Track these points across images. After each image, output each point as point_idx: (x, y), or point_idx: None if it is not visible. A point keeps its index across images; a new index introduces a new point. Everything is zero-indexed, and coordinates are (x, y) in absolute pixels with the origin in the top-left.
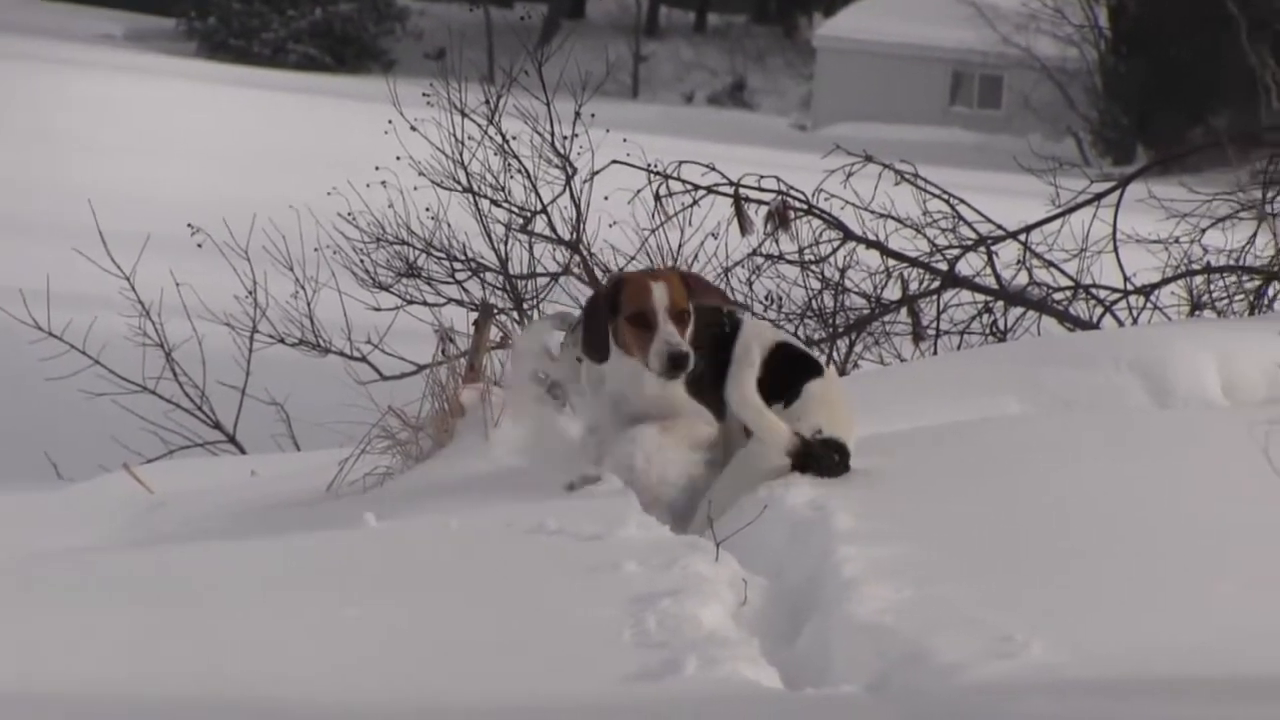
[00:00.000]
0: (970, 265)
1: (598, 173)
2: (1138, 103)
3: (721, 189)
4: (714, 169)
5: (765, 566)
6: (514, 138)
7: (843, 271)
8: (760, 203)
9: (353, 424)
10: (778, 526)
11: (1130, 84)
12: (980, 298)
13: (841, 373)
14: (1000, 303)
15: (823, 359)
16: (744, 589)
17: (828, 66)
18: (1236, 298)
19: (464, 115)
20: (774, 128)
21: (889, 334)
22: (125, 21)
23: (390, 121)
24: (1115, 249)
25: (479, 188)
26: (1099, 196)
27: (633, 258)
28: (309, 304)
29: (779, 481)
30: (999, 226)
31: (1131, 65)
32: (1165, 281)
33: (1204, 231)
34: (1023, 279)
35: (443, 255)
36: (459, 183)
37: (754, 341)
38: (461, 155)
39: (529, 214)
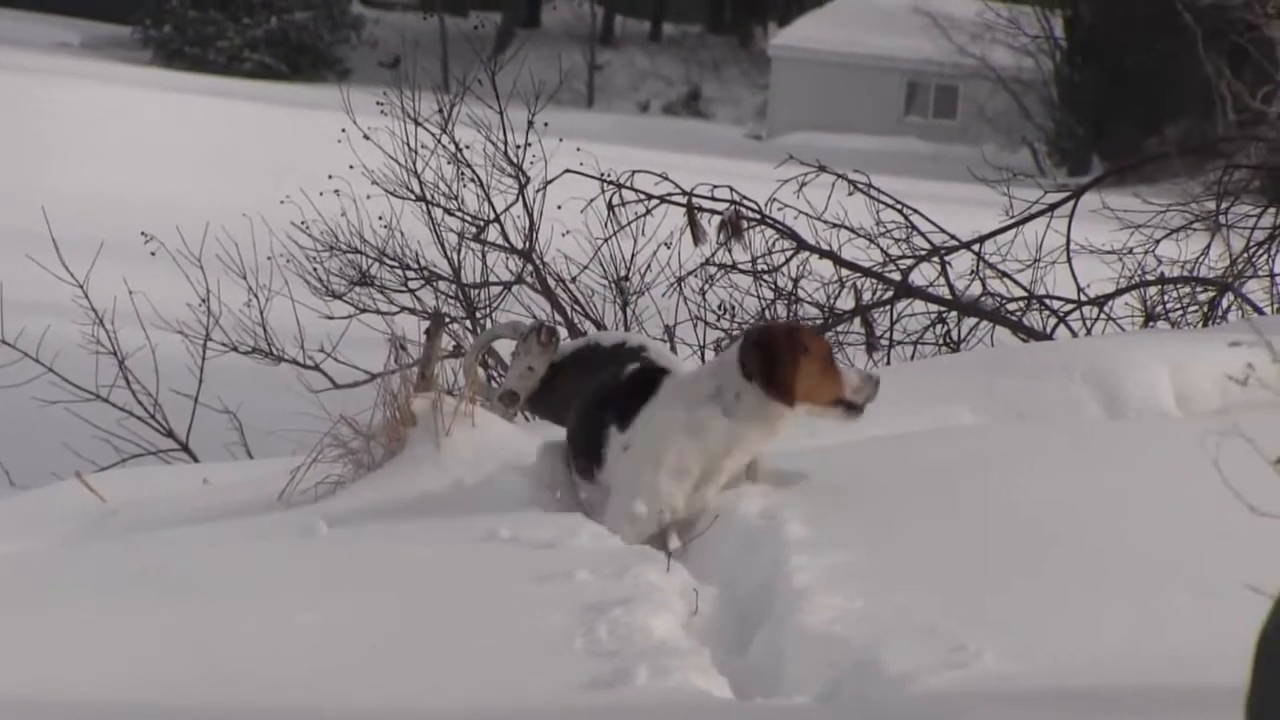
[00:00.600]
0: (924, 275)
1: (551, 182)
2: (1093, 113)
3: (675, 198)
4: (667, 178)
5: (717, 576)
6: (467, 147)
7: (796, 281)
8: (713, 212)
9: (305, 432)
10: (729, 536)
11: (1085, 94)
12: (934, 308)
13: None
14: (954, 313)
15: None
16: (695, 598)
17: (783, 76)
18: (1190, 309)
19: (417, 124)
20: (729, 137)
21: (842, 344)
22: (82, 29)
23: (344, 130)
24: (1069, 259)
25: (432, 196)
26: (1053, 207)
27: (585, 267)
28: (262, 312)
29: (731, 492)
30: (953, 237)
31: (1087, 75)
32: (1119, 292)
33: (1158, 242)
34: (976, 289)
35: (396, 264)
36: (412, 191)
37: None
38: (415, 164)
39: (482, 223)
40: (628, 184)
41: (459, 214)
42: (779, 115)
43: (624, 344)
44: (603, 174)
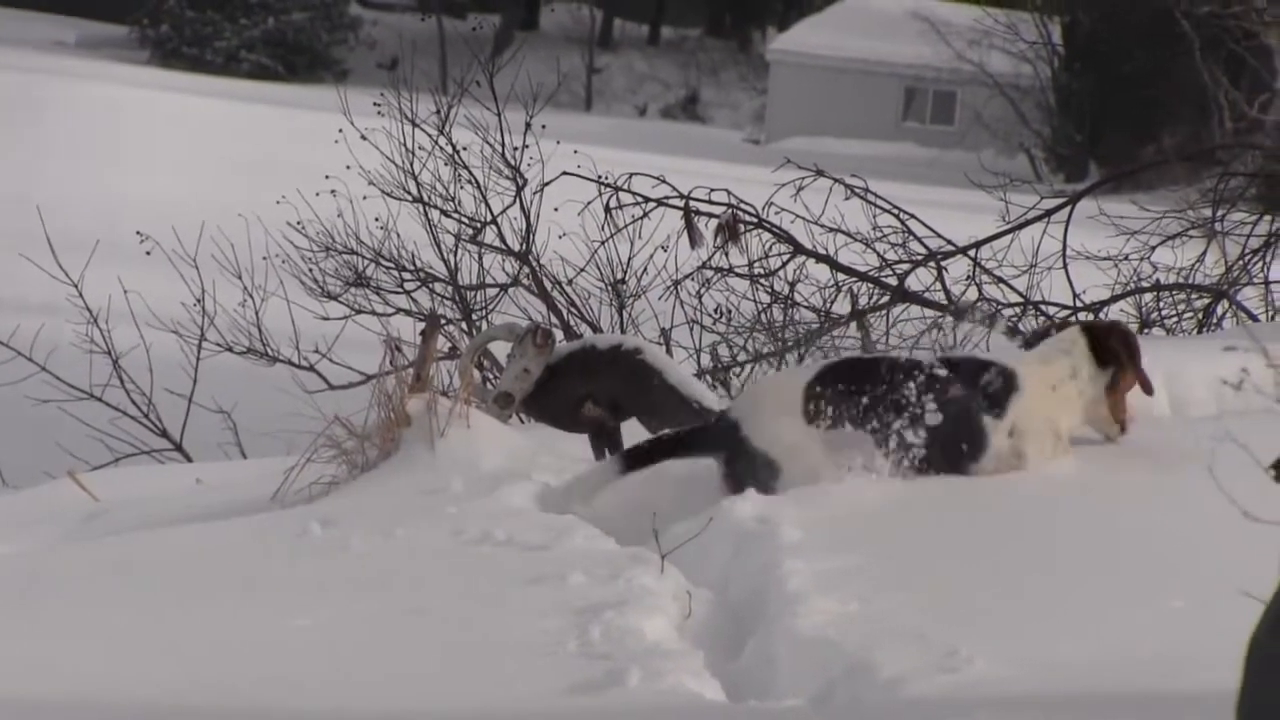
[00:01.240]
0: (920, 280)
1: (548, 184)
2: (1090, 119)
3: (672, 201)
4: (664, 181)
5: (710, 579)
6: (465, 148)
7: (792, 285)
8: (710, 215)
9: (299, 433)
10: (723, 539)
11: (1083, 101)
12: (930, 313)
13: None
14: (949, 318)
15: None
16: (689, 601)
17: (781, 80)
18: (1185, 315)
19: (414, 125)
20: (727, 141)
21: (838, 348)
22: (78, 28)
23: (340, 131)
24: (1065, 265)
25: (429, 198)
26: (1049, 213)
27: (582, 269)
28: (257, 312)
29: (725, 498)
30: (949, 242)
31: (1085, 82)
32: (1114, 299)
33: (1154, 249)
34: (972, 294)
35: (392, 265)
36: (409, 193)
37: None
38: (412, 165)
39: (479, 225)
40: (625, 187)
41: (456, 215)
42: (777, 119)
43: (620, 346)
44: (600, 176)
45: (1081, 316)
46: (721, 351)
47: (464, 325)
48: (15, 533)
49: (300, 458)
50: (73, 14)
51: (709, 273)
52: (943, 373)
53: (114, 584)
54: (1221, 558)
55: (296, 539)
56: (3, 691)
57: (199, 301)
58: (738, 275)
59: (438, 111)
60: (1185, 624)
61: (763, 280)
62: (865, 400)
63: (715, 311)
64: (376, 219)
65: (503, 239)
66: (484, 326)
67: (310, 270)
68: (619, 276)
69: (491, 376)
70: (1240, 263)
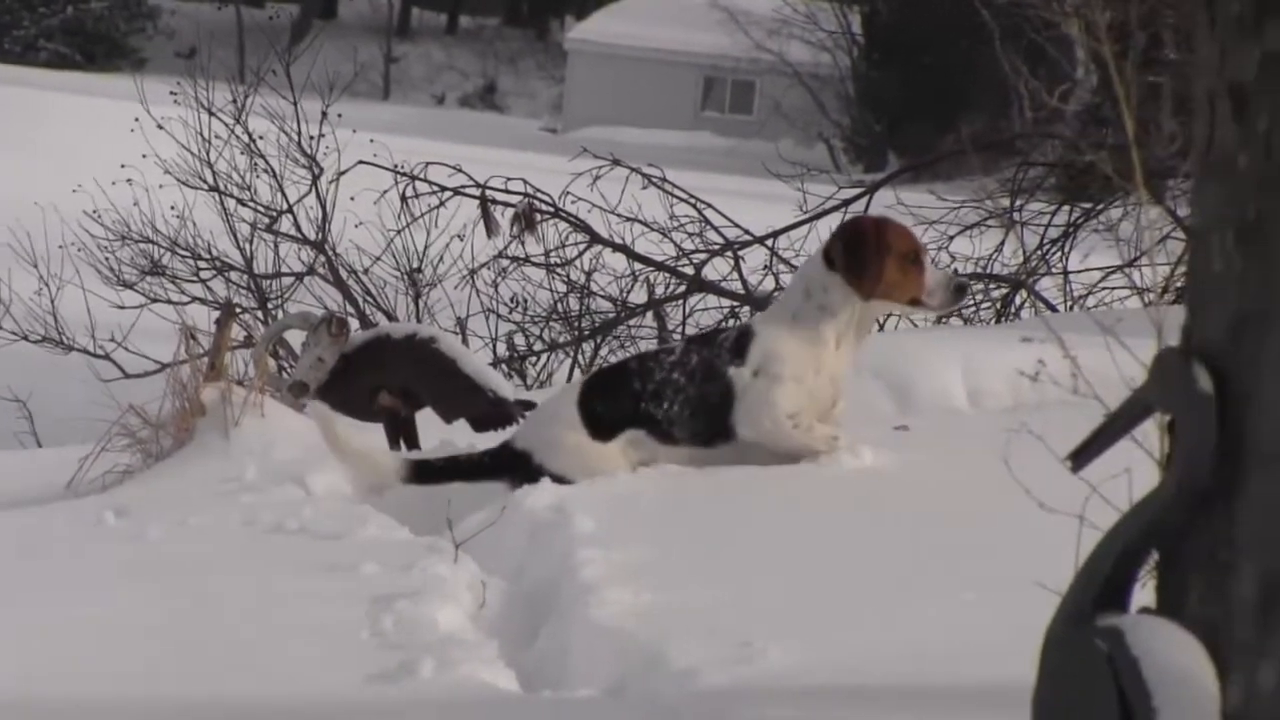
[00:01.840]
0: (717, 270)
1: (344, 173)
2: (890, 110)
3: (468, 191)
4: (461, 170)
5: (505, 568)
6: (261, 137)
7: (589, 275)
8: (507, 205)
9: (96, 421)
10: (518, 528)
11: (882, 91)
12: (726, 302)
13: None
14: (746, 308)
15: (567, 362)
16: (483, 591)
17: (579, 69)
18: (983, 306)
19: (211, 114)
20: (524, 130)
21: (635, 338)
22: None
23: (137, 119)
24: None
25: (225, 187)
26: (846, 203)
27: (378, 258)
28: (53, 301)
29: (519, 488)
30: (746, 231)
31: (884, 72)
32: None
33: (952, 239)
34: (769, 284)
35: (188, 254)
36: (205, 181)
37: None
38: (208, 154)
39: (275, 214)
40: (421, 176)
41: (252, 204)
42: (574, 109)
43: (415, 335)
44: (396, 165)
45: None
46: (518, 340)
47: (260, 314)
48: None
49: (94, 446)
50: None
51: (505, 262)
52: (685, 346)
53: None
54: (1015, 550)
55: (90, 528)
56: None
57: None
58: (534, 264)
59: (234, 100)
60: (982, 615)
61: (559, 269)
62: (630, 399)
63: (511, 301)
64: (173, 208)
65: (299, 228)
66: (279, 315)
67: (106, 259)
68: (415, 265)
69: (287, 365)
70: (1039, 253)
